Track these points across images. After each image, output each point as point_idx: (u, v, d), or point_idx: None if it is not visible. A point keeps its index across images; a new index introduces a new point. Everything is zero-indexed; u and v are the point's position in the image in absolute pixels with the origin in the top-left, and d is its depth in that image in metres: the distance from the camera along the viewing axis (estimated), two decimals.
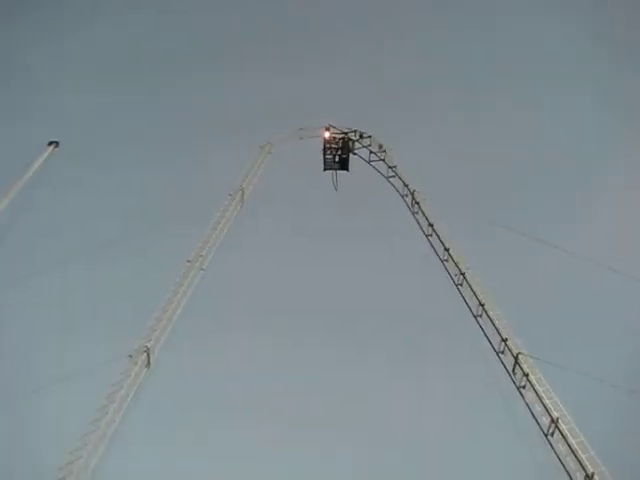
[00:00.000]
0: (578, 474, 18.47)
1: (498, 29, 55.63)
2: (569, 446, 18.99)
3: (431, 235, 28.56)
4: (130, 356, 20.89)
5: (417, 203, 29.99)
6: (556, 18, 51.27)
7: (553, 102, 52.04)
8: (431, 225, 28.68)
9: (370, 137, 34.92)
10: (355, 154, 35.33)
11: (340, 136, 35.39)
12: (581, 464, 18.40)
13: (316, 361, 42.98)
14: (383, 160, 33.61)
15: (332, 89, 55.83)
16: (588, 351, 35.73)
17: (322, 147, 35.50)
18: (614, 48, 47.96)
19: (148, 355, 21.20)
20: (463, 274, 25.77)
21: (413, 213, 30.22)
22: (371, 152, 34.35)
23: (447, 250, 27.20)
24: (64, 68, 51.87)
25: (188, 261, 25.64)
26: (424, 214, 29.32)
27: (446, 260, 27.22)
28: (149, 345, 21.40)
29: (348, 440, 39.07)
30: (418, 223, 29.63)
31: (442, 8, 57.09)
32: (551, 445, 19.69)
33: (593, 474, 17.98)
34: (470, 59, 55.49)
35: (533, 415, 20.64)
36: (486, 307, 24.03)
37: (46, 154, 35.08)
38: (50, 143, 35.78)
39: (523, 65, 53.87)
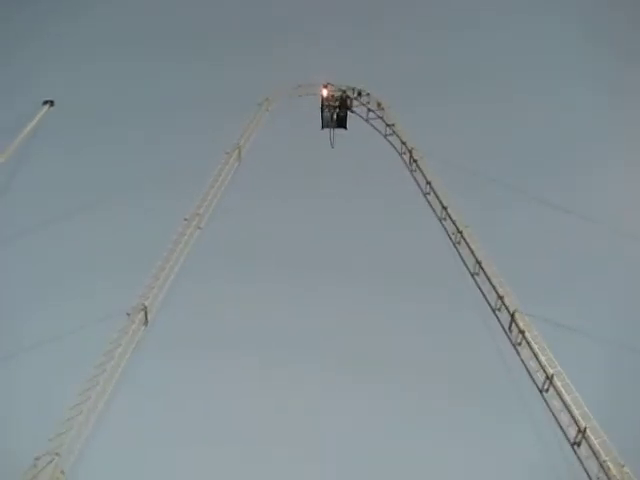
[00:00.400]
0: (571, 428, 18.77)
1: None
2: (563, 402, 19.25)
3: (429, 193, 28.42)
4: (128, 314, 21.01)
5: (415, 161, 29.73)
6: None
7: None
8: (429, 183, 28.48)
9: (368, 95, 34.45)
10: (353, 112, 34.91)
11: (338, 94, 34.97)
12: (574, 419, 18.68)
13: (311, 314, 43.33)
14: (381, 118, 33.23)
15: (331, 47, 54.97)
16: (588, 309, 35.81)
17: (320, 105, 35.08)
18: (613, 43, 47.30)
19: (146, 313, 21.32)
20: (460, 232, 25.71)
21: (411, 171, 29.98)
22: (369, 110, 33.92)
23: (445, 208, 27.08)
24: (65, 31, 50.87)
25: (185, 219, 25.59)
26: (422, 172, 29.10)
27: (444, 219, 27.13)
28: (147, 303, 21.49)
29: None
30: (416, 181, 29.46)
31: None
32: (545, 401, 19.95)
33: (585, 428, 18.28)
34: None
35: (528, 372, 20.86)
36: (483, 265, 24.08)
37: (41, 112, 34.90)
38: (45, 102, 35.54)
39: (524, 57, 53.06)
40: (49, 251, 38.08)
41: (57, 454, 16.27)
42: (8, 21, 46.35)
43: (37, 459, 16.06)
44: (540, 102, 50.66)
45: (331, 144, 35.59)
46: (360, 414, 38.99)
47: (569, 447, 18.71)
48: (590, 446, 18.17)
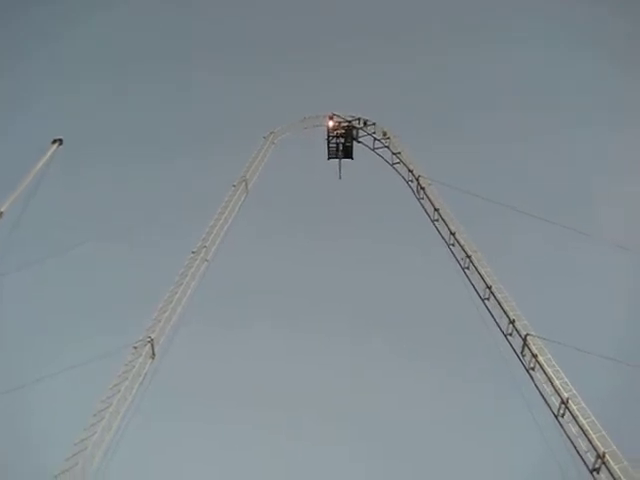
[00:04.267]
0: (589, 454, 18.22)
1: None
2: (580, 426, 18.73)
3: (437, 220, 28.26)
4: (134, 347, 20.82)
5: (422, 188, 29.64)
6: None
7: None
8: (437, 210, 28.33)
9: (374, 124, 34.55)
10: (359, 142, 34.98)
11: (344, 124, 35.09)
12: (592, 444, 18.14)
13: (321, 350, 42.99)
14: (387, 147, 33.23)
15: (335, 79, 55.53)
16: (599, 330, 35.20)
17: (326, 136, 35.20)
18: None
19: (152, 346, 21.12)
20: (469, 257, 25.48)
21: (418, 199, 29.90)
22: (375, 139, 33.99)
23: (453, 234, 26.89)
24: (66, 68, 51.84)
25: (192, 252, 25.52)
26: (429, 199, 28.99)
27: (452, 244, 26.93)
28: (153, 336, 21.31)
29: (359, 430, 39.05)
30: (424, 208, 29.32)
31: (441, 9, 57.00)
32: (562, 426, 19.42)
33: (604, 453, 17.74)
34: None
35: (543, 396, 20.38)
36: (493, 289, 23.77)
37: (50, 151, 35.07)
38: (54, 141, 35.72)
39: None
40: (57, 285, 38.19)
41: None
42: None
43: None
44: (544, 124, 50.72)
45: (339, 175, 35.67)
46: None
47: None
48: (610, 472, 17.62)
